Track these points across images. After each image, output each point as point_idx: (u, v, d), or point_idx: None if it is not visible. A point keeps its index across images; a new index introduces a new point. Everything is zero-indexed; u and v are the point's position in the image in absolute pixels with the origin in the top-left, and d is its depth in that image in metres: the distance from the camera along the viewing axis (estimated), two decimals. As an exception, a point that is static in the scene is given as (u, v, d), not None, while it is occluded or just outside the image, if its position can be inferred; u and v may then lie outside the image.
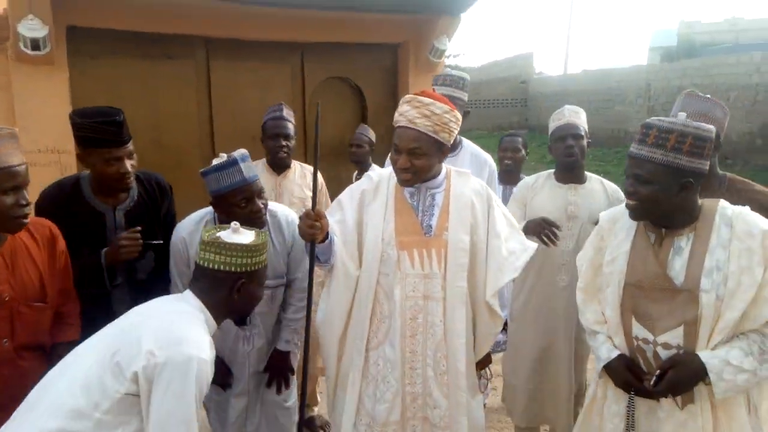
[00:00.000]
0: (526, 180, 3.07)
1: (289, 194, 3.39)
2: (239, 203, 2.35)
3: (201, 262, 1.84)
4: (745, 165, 11.58)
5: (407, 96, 2.19)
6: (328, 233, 2.13)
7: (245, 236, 1.91)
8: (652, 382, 1.79)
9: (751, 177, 10.28)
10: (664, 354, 1.82)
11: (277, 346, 2.63)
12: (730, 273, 1.74)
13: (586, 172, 2.99)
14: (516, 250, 2.25)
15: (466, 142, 3.18)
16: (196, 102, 4.92)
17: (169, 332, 1.59)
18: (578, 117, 2.93)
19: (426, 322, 2.17)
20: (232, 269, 1.82)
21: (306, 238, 2.10)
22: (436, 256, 2.18)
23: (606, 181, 2.97)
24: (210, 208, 2.55)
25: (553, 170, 3.01)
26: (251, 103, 5.11)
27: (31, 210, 2.00)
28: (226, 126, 5.03)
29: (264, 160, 3.45)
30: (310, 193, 3.12)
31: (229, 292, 1.84)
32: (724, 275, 1.74)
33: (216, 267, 1.81)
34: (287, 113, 3.46)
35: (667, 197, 1.78)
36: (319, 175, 3.59)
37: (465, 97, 3.09)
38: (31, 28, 3.76)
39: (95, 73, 4.44)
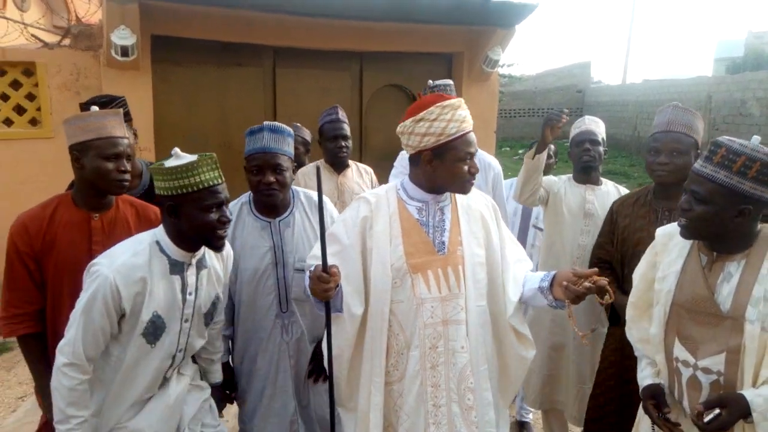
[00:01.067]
0: (554, 180, 3.28)
1: (350, 192, 3.56)
2: (251, 169, 2.27)
3: None
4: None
5: (454, 101, 1.95)
6: (338, 285, 1.92)
7: (181, 160, 1.86)
8: (700, 419, 1.69)
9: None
10: (703, 378, 1.75)
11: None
12: None
13: (601, 177, 3.20)
14: (520, 260, 2.15)
15: None
16: (263, 106, 5.30)
17: (104, 253, 1.90)
18: (597, 126, 3.18)
19: (447, 350, 1.94)
20: (162, 193, 1.86)
21: (320, 298, 1.88)
22: (454, 274, 1.97)
23: (620, 187, 3.14)
24: (247, 194, 2.47)
25: (571, 174, 3.24)
26: (313, 107, 5.43)
27: (129, 178, 2.17)
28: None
29: (322, 160, 3.57)
30: (368, 190, 3.29)
31: (168, 216, 1.88)
32: None
33: (157, 192, 1.90)
34: (342, 115, 3.57)
35: (721, 221, 1.70)
36: (373, 177, 3.83)
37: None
38: (122, 36, 4.19)
39: (174, 77, 4.87)
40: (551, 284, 1.95)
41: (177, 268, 1.94)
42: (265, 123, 2.29)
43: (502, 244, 2.10)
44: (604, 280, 1.81)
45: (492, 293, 2.03)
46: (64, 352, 1.84)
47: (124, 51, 4.27)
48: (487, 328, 2.01)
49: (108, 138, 2.07)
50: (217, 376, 2.32)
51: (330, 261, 1.91)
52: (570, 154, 3.21)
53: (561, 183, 3.23)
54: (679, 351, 1.81)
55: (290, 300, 2.34)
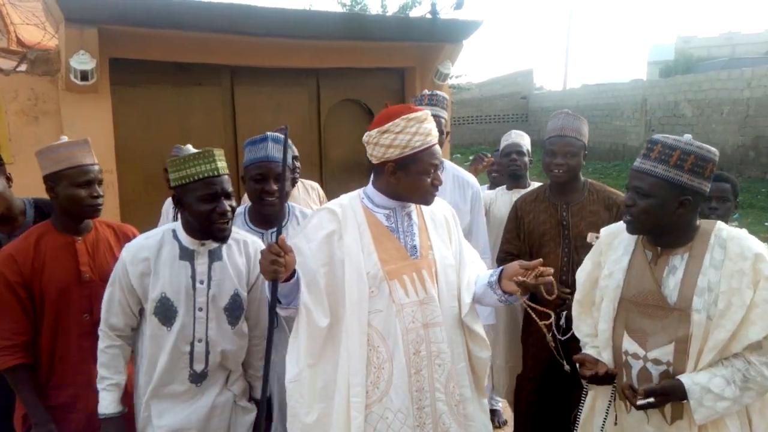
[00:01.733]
0: (487, 193, 3.80)
1: None
2: (255, 177, 2.32)
3: None
4: (738, 176, 11.99)
5: (420, 114, 1.95)
6: (294, 271, 1.87)
7: (184, 152, 2.03)
8: (634, 397, 1.78)
9: (746, 188, 10.69)
10: (653, 369, 1.81)
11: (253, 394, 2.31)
12: (721, 293, 1.72)
13: (529, 181, 3.72)
14: (476, 260, 2.22)
15: (448, 164, 3.08)
16: (222, 123, 5.39)
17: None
18: (522, 138, 3.76)
19: (430, 353, 1.95)
20: (171, 184, 2.02)
21: (267, 276, 1.80)
22: (429, 277, 1.99)
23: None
24: (242, 206, 2.52)
25: (505, 186, 3.78)
26: (272, 124, 5.53)
27: (102, 202, 2.29)
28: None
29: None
30: (316, 207, 3.26)
31: (177, 206, 2.05)
32: (716, 295, 1.73)
33: (171, 184, 2.04)
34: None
35: (664, 212, 1.77)
36: (320, 192, 3.83)
37: (443, 114, 3.09)
38: (82, 61, 4.22)
39: (133, 99, 4.92)
40: (499, 279, 1.99)
41: (187, 254, 2.07)
42: (268, 133, 2.37)
43: (460, 248, 2.15)
44: (549, 275, 1.86)
45: (458, 295, 2.07)
46: (101, 318, 2.10)
47: (84, 75, 4.30)
48: (461, 328, 2.05)
49: (79, 167, 2.20)
50: (258, 392, 2.25)
51: (296, 267, 1.89)
52: (500, 164, 3.77)
53: (494, 195, 3.73)
54: (629, 344, 1.86)
55: (275, 318, 2.24)
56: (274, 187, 2.30)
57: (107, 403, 2.08)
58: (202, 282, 2.07)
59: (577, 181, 2.80)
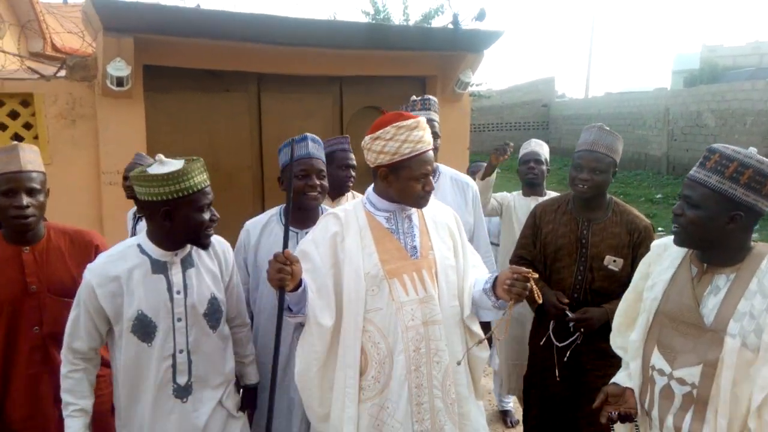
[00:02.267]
0: (506, 195, 3.90)
1: None
2: (298, 174, 2.38)
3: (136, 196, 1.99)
4: (761, 187, 11.93)
5: (410, 122, 2.03)
6: (301, 281, 1.96)
7: (169, 166, 1.93)
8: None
9: None
10: (677, 389, 1.74)
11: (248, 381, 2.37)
12: (767, 325, 1.60)
13: (546, 190, 3.81)
14: (477, 264, 2.29)
15: (444, 168, 3.15)
16: (249, 129, 5.58)
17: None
18: (541, 147, 3.81)
19: (429, 351, 2.03)
20: (154, 199, 1.91)
21: (274, 285, 1.91)
22: (428, 276, 2.06)
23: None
24: (278, 207, 2.57)
25: (520, 190, 3.88)
26: (296, 129, 5.66)
27: (32, 212, 2.13)
28: (274, 150, 5.63)
29: None
30: None
31: (162, 220, 1.96)
32: (758, 325, 1.61)
33: (142, 198, 1.95)
34: (349, 145, 3.50)
35: (713, 226, 1.69)
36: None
37: (436, 117, 3.12)
38: (118, 68, 4.44)
39: (164, 105, 5.13)
40: (494, 286, 2.05)
41: (159, 267, 2.02)
42: (307, 134, 2.47)
43: (464, 251, 2.22)
44: (532, 281, 1.90)
45: (460, 295, 2.15)
46: (63, 343, 2.06)
47: (119, 81, 4.51)
48: (461, 327, 2.12)
49: (1, 175, 2.09)
50: (252, 377, 2.35)
51: (305, 277, 2.00)
52: (519, 171, 3.73)
53: (511, 197, 3.79)
54: (657, 359, 1.80)
55: (282, 326, 2.32)
56: (317, 182, 2.42)
57: (73, 430, 2.00)
58: (179, 292, 2.04)
59: (602, 198, 2.73)
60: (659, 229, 8.54)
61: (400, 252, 2.08)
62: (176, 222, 1.97)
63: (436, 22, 10.77)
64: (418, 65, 6.06)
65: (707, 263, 1.78)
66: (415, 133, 2.03)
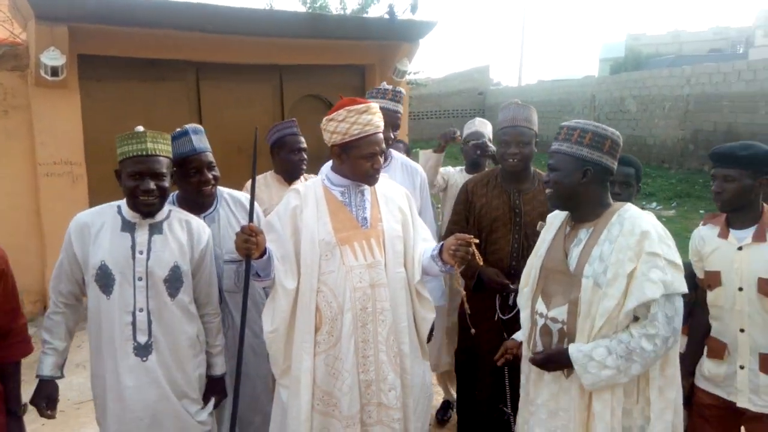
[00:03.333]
0: (449, 170, 3.98)
1: None
2: (189, 172, 2.39)
3: None
4: (679, 168, 12.72)
5: (360, 106, 2.23)
6: (265, 249, 2.16)
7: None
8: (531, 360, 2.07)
9: (684, 178, 11.26)
10: (552, 326, 2.03)
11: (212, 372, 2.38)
12: (611, 264, 1.89)
13: (487, 168, 3.78)
14: (427, 239, 2.48)
15: (396, 154, 3.25)
16: (188, 118, 5.55)
17: None
18: (485, 127, 3.89)
19: (375, 310, 2.24)
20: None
21: (241, 253, 2.12)
22: (376, 245, 2.27)
23: None
24: (171, 195, 2.50)
25: (463, 167, 3.95)
26: (236, 118, 5.79)
27: None
28: (214, 139, 5.51)
29: (271, 172, 3.45)
30: None
31: (118, 181, 2.16)
32: (605, 266, 1.90)
33: None
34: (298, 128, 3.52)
35: (570, 182, 1.99)
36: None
37: (401, 109, 3.19)
38: (52, 57, 4.36)
39: (101, 94, 5.07)
40: (440, 253, 2.28)
41: (127, 226, 2.16)
42: (186, 126, 2.41)
43: (415, 226, 2.42)
44: (476, 243, 2.18)
45: (406, 263, 2.34)
46: (50, 285, 2.20)
47: (54, 71, 4.44)
48: (406, 291, 2.32)
49: None
50: (218, 369, 2.39)
51: (270, 246, 2.20)
52: (462, 150, 3.86)
53: (456, 173, 3.88)
54: (539, 305, 2.09)
55: (222, 291, 2.47)
56: (209, 175, 2.43)
57: (44, 366, 2.17)
58: (141, 252, 2.15)
59: (528, 170, 2.93)
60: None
61: (351, 222, 2.28)
62: (121, 184, 2.14)
63: (373, 12, 10.91)
64: (357, 54, 6.20)
65: (575, 221, 2.09)
66: (364, 116, 2.22)
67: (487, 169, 3.52)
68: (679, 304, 1.90)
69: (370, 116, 2.23)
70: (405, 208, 2.43)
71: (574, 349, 1.93)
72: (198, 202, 2.48)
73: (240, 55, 5.60)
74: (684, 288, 1.89)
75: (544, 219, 2.71)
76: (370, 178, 2.30)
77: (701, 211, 9.39)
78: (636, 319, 1.90)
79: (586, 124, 2.02)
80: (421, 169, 3.28)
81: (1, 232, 4.44)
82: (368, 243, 2.28)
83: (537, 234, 2.71)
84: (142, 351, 2.15)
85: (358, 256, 2.25)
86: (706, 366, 2.35)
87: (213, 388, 2.36)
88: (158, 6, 4.77)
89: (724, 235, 2.32)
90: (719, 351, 2.30)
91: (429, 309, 2.43)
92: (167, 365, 2.19)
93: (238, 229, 2.41)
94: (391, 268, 2.29)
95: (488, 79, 24.22)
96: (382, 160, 2.31)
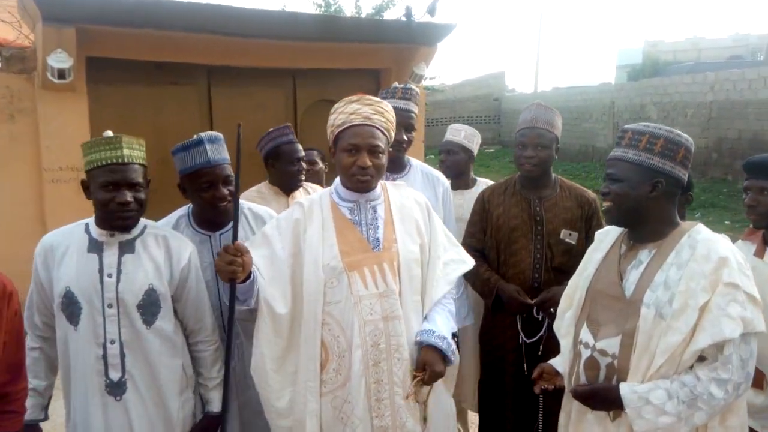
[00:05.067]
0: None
1: None
2: (202, 186, 2.13)
3: None
4: (702, 177, 12.39)
5: (352, 97, 2.02)
6: (251, 272, 1.87)
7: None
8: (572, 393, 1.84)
9: (708, 187, 10.90)
10: (600, 360, 1.78)
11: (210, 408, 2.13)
12: (678, 293, 1.65)
13: (478, 178, 3.48)
14: (454, 260, 2.15)
15: (415, 162, 2.98)
16: (199, 123, 5.42)
17: None
18: (457, 134, 3.51)
19: (389, 346, 1.94)
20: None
21: (223, 277, 1.83)
22: (390, 270, 1.97)
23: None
24: (185, 208, 2.35)
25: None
26: (248, 123, 5.57)
27: None
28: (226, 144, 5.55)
29: (266, 183, 3.20)
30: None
31: (86, 193, 1.94)
32: (672, 294, 1.66)
33: None
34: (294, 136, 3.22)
35: (637, 195, 1.75)
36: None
37: (415, 109, 2.88)
38: (59, 60, 4.24)
39: (110, 98, 4.94)
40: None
41: (95, 246, 1.90)
42: (201, 135, 2.18)
43: (433, 243, 2.11)
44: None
45: (423, 289, 2.06)
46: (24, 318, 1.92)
47: (61, 74, 4.32)
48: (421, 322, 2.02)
49: None
50: (214, 405, 2.10)
51: (259, 263, 1.93)
52: (440, 152, 3.51)
53: (446, 188, 3.37)
54: (584, 334, 1.84)
55: (234, 320, 2.10)
56: (225, 191, 2.16)
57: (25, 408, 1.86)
58: (110, 275, 1.90)
59: (548, 175, 2.72)
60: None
61: (361, 244, 1.99)
62: (91, 196, 1.89)
63: (388, 15, 10.77)
64: (373, 58, 6.02)
65: (634, 240, 1.85)
66: (352, 106, 1.98)
67: (489, 181, 3.24)
68: (755, 345, 1.65)
69: (358, 105, 1.97)
70: (422, 223, 2.12)
71: (627, 389, 1.67)
72: (214, 218, 2.23)
73: (252, 58, 5.45)
74: (762, 326, 1.63)
75: (567, 227, 2.63)
76: (353, 179, 1.96)
77: (726, 222, 9.08)
78: (701, 358, 1.65)
79: (657, 128, 1.77)
80: (444, 179, 3.01)
81: (5, 241, 4.32)
82: (380, 268, 1.97)
83: (561, 243, 2.62)
84: (115, 389, 1.92)
85: (369, 284, 1.95)
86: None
87: (206, 428, 2.08)
88: (168, 7, 4.63)
89: (760, 253, 2.15)
90: (758, 380, 2.06)
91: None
92: (145, 405, 1.94)
93: None
94: (407, 296, 1.99)
95: (504, 85, 24.04)
96: (378, 161, 1.97)
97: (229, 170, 2.19)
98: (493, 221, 2.74)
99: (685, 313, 1.63)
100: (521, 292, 2.58)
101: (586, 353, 1.82)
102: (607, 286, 1.84)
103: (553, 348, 2.59)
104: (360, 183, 1.98)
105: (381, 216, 2.05)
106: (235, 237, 1.86)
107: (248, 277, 1.86)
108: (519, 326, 2.65)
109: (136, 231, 1.97)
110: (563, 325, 1.99)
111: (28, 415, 1.90)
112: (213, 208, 2.17)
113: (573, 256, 2.61)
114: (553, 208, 2.68)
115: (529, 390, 2.61)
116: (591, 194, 2.77)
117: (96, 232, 1.93)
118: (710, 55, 29.43)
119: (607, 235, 1.98)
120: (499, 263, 2.72)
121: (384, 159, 2.00)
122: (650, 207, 1.76)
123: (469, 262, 2.19)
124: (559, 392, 2.01)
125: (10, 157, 4.50)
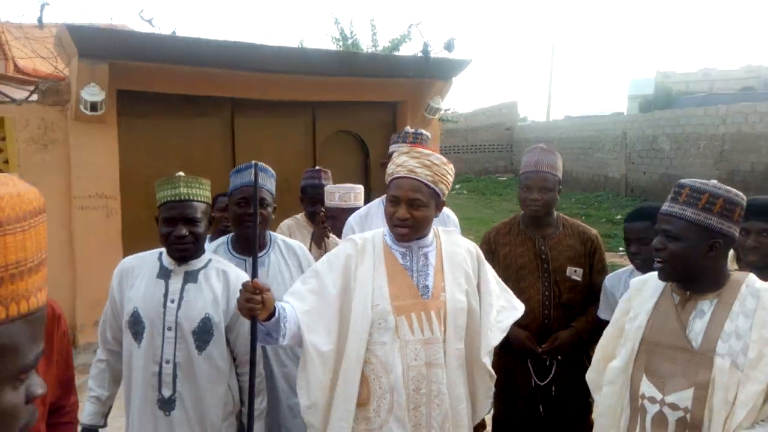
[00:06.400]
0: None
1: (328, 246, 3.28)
2: (238, 201, 2.36)
3: None
4: (715, 208, 12.42)
5: (404, 147, 2.11)
6: (275, 309, 1.87)
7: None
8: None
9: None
10: (670, 414, 1.74)
11: None
12: (752, 342, 1.65)
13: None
14: (505, 308, 2.19)
15: None
16: (222, 153, 5.62)
17: None
18: (333, 197, 3.35)
19: (430, 392, 1.98)
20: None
21: (244, 314, 1.83)
22: (436, 318, 2.01)
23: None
24: (226, 237, 2.54)
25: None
26: (269, 153, 5.77)
27: None
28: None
29: (303, 214, 3.41)
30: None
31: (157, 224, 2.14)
32: (745, 344, 1.66)
33: None
34: (325, 178, 3.39)
35: (695, 255, 1.74)
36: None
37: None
38: (92, 93, 4.44)
39: (139, 129, 5.14)
40: None
41: (163, 273, 2.10)
42: (253, 161, 2.34)
43: (484, 291, 2.14)
44: None
45: (468, 338, 2.08)
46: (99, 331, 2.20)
47: (93, 106, 4.52)
48: (463, 369, 2.07)
49: None
50: None
51: (307, 296, 1.96)
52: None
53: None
54: (646, 387, 1.81)
55: (256, 357, 2.16)
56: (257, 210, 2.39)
57: (86, 413, 2.13)
58: (173, 301, 2.07)
59: (551, 215, 2.84)
60: (620, 249, 8.84)
61: (411, 290, 2.04)
62: (159, 230, 2.10)
63: (405, 48, 11.04)
64: (389, 91, 6.22)
65: (691, 291, 1.83)
66: (401, 158, 2.06)
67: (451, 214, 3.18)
68: None
69: (404, 158, 2.05)
70: (471, 273, 2.15)
71: None
72: (246, 242, 2.36)
73: (274, 91, 5.66)
74: None
75: (572, 264, 2.74)
76: (393, 227, 2.03)
77: (740, 254, 9.09)
78: None
79: (716, 188, 1.76)
80: (455, 217, 3.07)
81: (35, 265, 4.48)
82: (428, 315, 2.01)
83: (567, 281, 2.72)
84: (166, 405, 2.07)
85: (415, 329, 1.99)
86: None
87: None
88: (197, 44, 4.85)
89: None
90: None
91: (491, 380, 2.16)
92: (190, 424, 2.07)
93: (288, 277, 2.36)
94: (450, 344, 2.03)
95: (516, 114, 24.26)
96: (419, 213, 2.00)
97: (266, 195, 2.37)
98: (500, 261, 2.80)
99: (762, 361, 1.63)
100: (531, 339, 2.68)
101: (653, 408, 1.79)
102: (668, 337, 1.81)
103: (566, 386, 2.71)
104: (398, 234, 2.04)
105: (432, 263, 2.09)
106: (254, 274, 1.87)
107: (273, 314, 1.86)
108: (531, 370, 2.74)
109: (200, 263, 2.14)
110: (611, 374, 1.94)
111: (89, 420, 2.15)
112: (241, 224, 2.34)
113: (579, 292, 2.75)
114: (557, 246, 2.78)
115: (542, 429, 2.70)
116: (592, 231, 2.88)
117: (166, 260, 2.14)
118: (722, 86, 29.48)
119: (646, 284, 1.97)
120: None
121: (426, 211, 2.01)
122: (707, 266, 1.77)
123: (519, 309, 2.23)
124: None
125: (43, 184, 4.65)
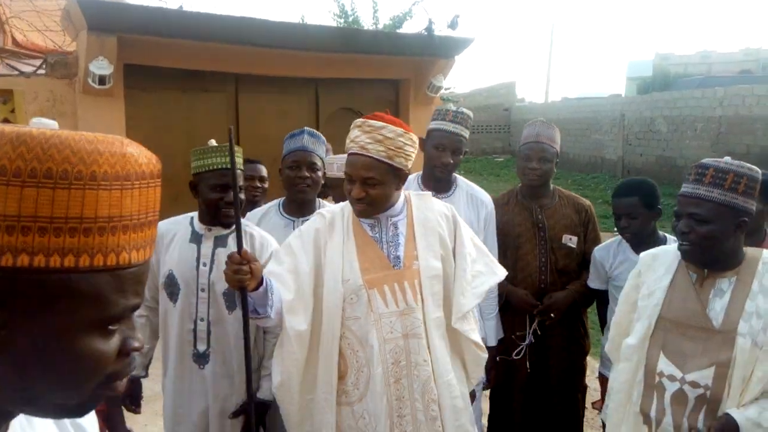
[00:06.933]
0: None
1: None
2: (290, 165, 2.45)
3: None
4: (709, 190, 12.55)
5: (357, 120, 1.97)
6: (262, 279, 1.83)
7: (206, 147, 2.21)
8: None
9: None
10: (690, 392, 1.76)
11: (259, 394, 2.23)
12: None
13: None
14: (482, 273, 2.10)
15: (462, 181, 2.89)
16: (226, 128, 5.66)
17: None
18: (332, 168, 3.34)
19: (409, 364, 1.94)
20: (192, 172, 2.18)
21: (233, 285, 1.78)
22: (410, 288, 1.96)
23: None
24: (278, 200, 2.61)
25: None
26: (273, 129, 5.86)
27: None
28: (251, 149, 5.72)
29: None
30: None
31: (193, 193, 2.22)
32: (765, 323, 1.69)
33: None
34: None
35: (725, 236, 1.74)
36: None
37: (465, 133, 2.80)
38: (100, 67, 4.50)
39: (145, 103, 5.21)
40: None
41: (195, 238, 2.22)
42: (305, 128, 2.52)
43: (459, 254, 2.07)
44: None
45: (446, 305, 2.03)
46: None
47: (101, 80, 4.58)
48: (446, 338, 2.02)
49: None
50: (263, 393, 2.24)
51: (287, 278, 1.92)
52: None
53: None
54: (665, 365, 1.81)
55: (249, 328, 2.17)
56: (306, 174, 2.44)
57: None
58: (205, 264, 2.19)
59: (548, 186, 2.97)
60: (615, 229, 8.97)
61: (382, 261, 1.98)
62: (199, 195, 2.19)
63: (406, 26, 11.03)
64: (392, 69, 6.27)
65: (709, 269, 1.83)
66: (354, 131, 1.95)
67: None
68: None
69: (359, 132, 1.92)
70: (449, 234, 2.08)
71: (741, 417, 1.66)
72: (297, 203, 2.49)
73: (278, 67, 5.71)
74: None
75: (568, 232, 2.89)
76: (353, 204, 1.97)
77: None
78: None
79: (739, 166, 1.75)
80: (490, 201, 2.90)
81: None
82: (401, 286, 1.96)
83: (563, 248, 2.88)
84: (201, 359, 2.23)
85: (389, 302, 1.94)
86: None
87: (256, 413, 2.21)
88: (203, 19, 4.89)
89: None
90: None
91: (480, 350, 2.09)
92: (221, 378, 2.22)
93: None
94: (428, 314, 1.97)
95: (514, 95, 24.24)
96: (374, 191, 1.92)
97: (316, 159, 2.48)
98: (499, 229, 2.90)
99: None
100: (530, 296, 2.83)
101: (672, 386, 1.80)
102: (687, 316, 1.81)
103: (560, 347, 2.86)
104: (356, 211, 1.99)
105: (402, 233, 2.04)
106: (239, 246, 1.82)
107: (260, 284, 1.82)
108: (528, 329, 2.87)
109: (229, 228, 2.23)
110: (626, 351, 1.95)
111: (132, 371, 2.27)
112: (293, 187, 2.45)
113: (573, 259, 2.91)
114: (553, 215, 2.92)
115: (536, 386, 2.85)
116: (586, 202, 3.03)
117: (198, 225, 2.24)
118: (721, 68, 29.55)
119: (657, 259, 1.97)
120: (507, 268, 2.91)
121: (382, 189, 1.93)
122: (732, 244, 1.78)
123: (499, 274, 2.17)
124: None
125: (52, 158, 4.76)
